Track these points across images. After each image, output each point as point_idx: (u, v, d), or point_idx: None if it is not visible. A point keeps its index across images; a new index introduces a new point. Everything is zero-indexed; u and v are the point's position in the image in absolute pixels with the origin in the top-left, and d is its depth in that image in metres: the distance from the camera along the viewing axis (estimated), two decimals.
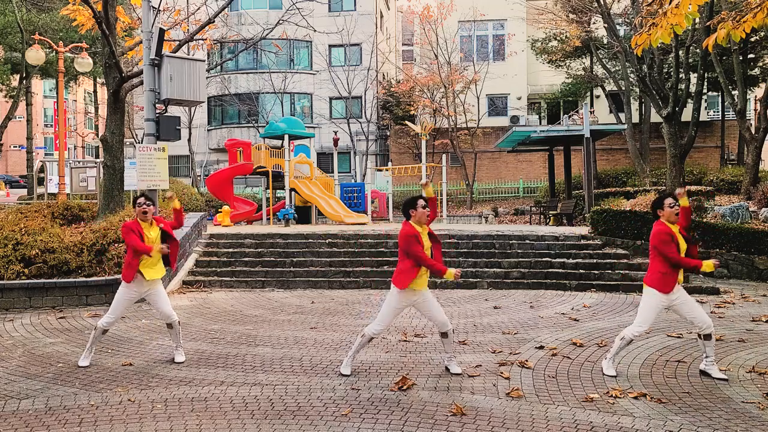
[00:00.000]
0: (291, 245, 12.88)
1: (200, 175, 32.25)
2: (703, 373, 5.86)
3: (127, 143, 24.42)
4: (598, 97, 33.25)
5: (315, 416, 4.91)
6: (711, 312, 8.95)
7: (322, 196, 19.65)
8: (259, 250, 12.63)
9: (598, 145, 28.16)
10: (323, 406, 5.12)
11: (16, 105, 28.19)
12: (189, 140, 30.43)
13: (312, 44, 34.33)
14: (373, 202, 22.15)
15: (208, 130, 35.68)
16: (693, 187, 21.27)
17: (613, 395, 5.32)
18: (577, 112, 26.06)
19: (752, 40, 24.65)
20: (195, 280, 11.35)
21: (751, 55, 26.78)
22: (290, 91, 34.05)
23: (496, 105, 34.92)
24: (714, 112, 37.54)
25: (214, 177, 20.42)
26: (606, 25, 21.90)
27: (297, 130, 20.96)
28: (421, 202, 5.77)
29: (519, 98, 34.51)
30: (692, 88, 20.69)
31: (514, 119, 32.13)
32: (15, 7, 25.40)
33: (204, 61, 10.73)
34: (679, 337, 7.36)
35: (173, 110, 15.76)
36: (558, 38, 30.18)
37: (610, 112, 29.51)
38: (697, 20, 17.35)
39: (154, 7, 10.37)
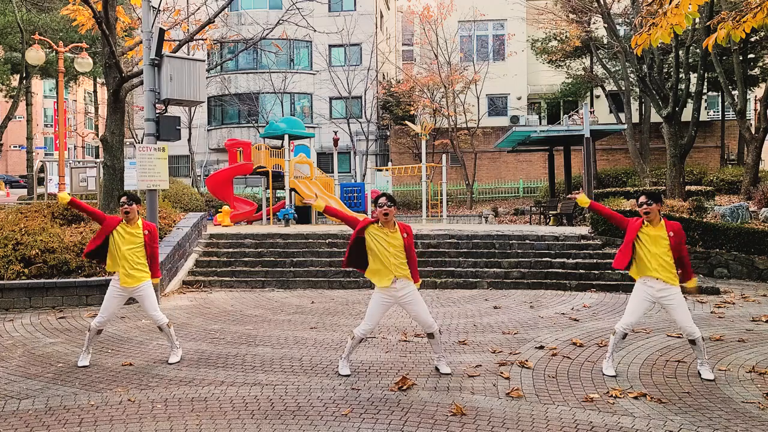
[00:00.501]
0: (291, 245, 12.88)
1: (200, 175, 32.24)
2: (699, 373, 5.88)
3: (127, 143, 24.43)
4: (598, 97, 33.24)
5: (315, 416, 4.91)
6: (711, 312, 8.96)
7: (322, 197, 19.65)
8: (259, 250, 12.63)
9: (598, 145, 28.16)
10: (323, 406, 5.12)
11: (16, 105, 28.19)
12: (189, 140, 30.43)
13: (312, 44, 34.33)
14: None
15: (208, 130, 35.67)
16: (693, 187, 21.28)
17: (613, 395, 5.32)
18: (577, 112, 26.07)
19: (752, 40, 24.65)
20: (195, 280, 11.36)
21: (751, 55, 26.78)
22: (290, 91, 34.05)
23: (496, 105, 34.91)
24: (714, 112, 37.54)
25: (214, 177, 20.42)
26: (606, 25, 21.89)
27: (297, 130, 20.95)
28: (381, 200, 5.72)
29: (519, 98, 34.51)
30: (692, 88, 20.68)
31: (514, 119, 32.13)
32: (15, 7, 25.40)
33: (204, 61, 10.73)
34: (679, 337, 7.36)
35: (173, 110, 15.77)
36: (558, 38, 30.18)
37: (610, 112, 29.51)
38: (697, 20, 17.34)
39: (154, 7, 10.36)
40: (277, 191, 22.11)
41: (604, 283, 10.89)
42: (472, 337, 7.45)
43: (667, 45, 19.31)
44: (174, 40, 13.88)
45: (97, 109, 36.79)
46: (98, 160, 23.73)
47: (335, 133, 26.05)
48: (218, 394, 5.46)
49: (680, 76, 19.58)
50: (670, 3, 7.08)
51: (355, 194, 22.30)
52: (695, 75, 20.62)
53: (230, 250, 12.74)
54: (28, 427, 4.76)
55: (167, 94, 9.85)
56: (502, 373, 5.98)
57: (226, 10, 26.83)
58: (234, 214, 18.48)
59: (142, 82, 10.97)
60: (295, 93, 34.75)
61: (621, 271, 11.24)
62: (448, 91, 29.91)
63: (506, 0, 31.37)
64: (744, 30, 7.00)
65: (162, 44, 9.87)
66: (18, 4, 26.16)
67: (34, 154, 28.51)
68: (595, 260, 11.75)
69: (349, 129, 32.20)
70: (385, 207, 5.65)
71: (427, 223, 20.24)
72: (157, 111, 10.00)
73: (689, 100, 20.35)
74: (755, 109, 31.92)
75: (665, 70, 22.72)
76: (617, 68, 28.32)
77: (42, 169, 25.31)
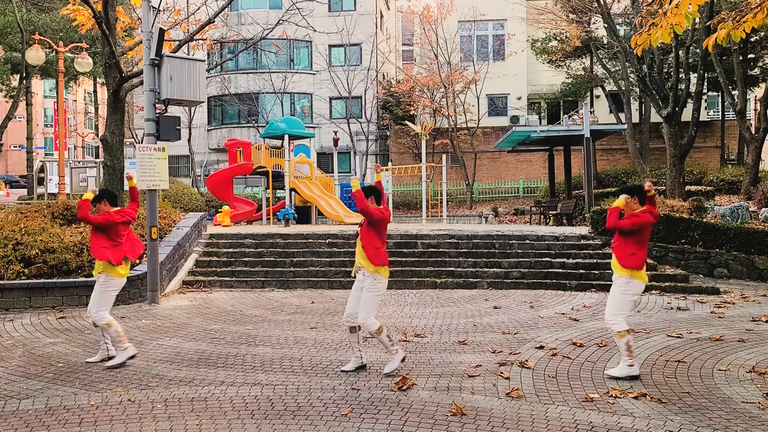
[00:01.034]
0: (291, 245, 12.87)
1: (200, 175, 32.23)
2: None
3: (127, 143, 24.41)
4: (598, 97, 33.23)
5: (315, 416, 4.91)
6: (711, 312, 8.96)
7: (322, 196, 19.64)
8: (259, 250, 12.63)
9: (598, 145, 28.15)
10: (323, 406, 5.12)
11: (16, 105, 28.18)
12: (189, 140, 30.42)
13: (312, 44, 34.32)
14: None
15: (208, 130, 35.67)
16: (693, 187, 21.28)
17: (613, 395, 5.32)
18: (577, 112, 26.05)
19: (752, 40, 24.64)
20: (195, 280, 11.36)
21: (751, 55, 26.77)
22: (290, 91, 34.04)
23: (496, 105, 34.90)
24: (714, 112, 37.53)
25: (214, 177, 20.41)
26: (606, 25, 21.88)
27: (297, 130, 20.95)
28: None
29: (519, 98, 34.50)
30: (692, 88, 20.67)
31: (514, 119, 32.12)
32: (15, 7, 25.39)
33: (204, 61, 10.72)
34: (679, 337, 7.36)
35: (173, 110, 15.73)
36: (558, 38, 30.17)
37: (610, 112, 29.50)
38: (697, 20, 17.33)
39: (154, 7, 10.36)
40: (277, 191, 22.11)
41: (604, 283, 10.86)
42: (472, 337, 7.45)
43: (667, 45, 19.30)
44: (174, 40, 13.87)
45: (97, 109, 36.78)
46: (98, 160, 23.74)
47: (335, 133, 26.04)
48: (218, 394, 5.46)
49: (680, 76, 19.58)
50: (670, 3, 7.08)
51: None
52: (695, 75, 20.61)
53: (230, 250, 12.74)
54: (28, 427, 4.76)
55: (167, 94, 9.84)
56: (502, 373, 5.98)
57: (226, 10, 26.81)
58: (234, 214, 18.48)
59: (142, 82, 10.97)
60: (295, 93, 34.74)
61: None
62: (448, 91, 29.90)
63: (506, 0, 31.36)
64: (744, 30, 6.99)
65: (162, 44, 9.86)
66: (18, 4, 26.15)
67: (34, 154, 28.50)
68: (595, 260, 11.75)
69: (349, 129, 32.20)
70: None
71: (427, 223, 20.24)
72: (157, 111, 9.99)
73: (689, 100, 20.35)
74: (755, 109, 31.92)
75: (665, 70, 22.72)
76: (617, 68, 28.31)
77: (42, 169, 25.30)
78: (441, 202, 22.29)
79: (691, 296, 10.24)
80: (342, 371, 6.04)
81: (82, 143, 54.81)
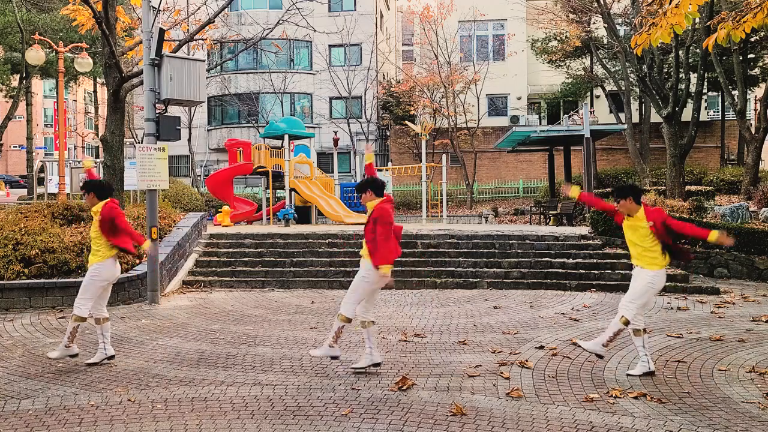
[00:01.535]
0: (291, 245, 12.87)
1: (200, 175, 32.24)
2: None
3: (127, 143, 24.42)
4: (598, 97, 33.24)
5: (315, 416, 4.91)
6: (711, 312, 8.96)
7: (322, 196, 19.64)
8: (259, 250, 12.63)
9: (598, 145, 28.15)
10: (323, 406, 5.12)
11: (16, 105, 28.19)
12: (189, 140, 30.42)
13: (312, 44, 34.32)
14: None
15: (208, 130, 35.67)
16: (693, 187, 21.29)
17: (613, 395, 5.32)
18: (577, 112, 26.07)
19: (752, 40, 24.65)
20: (195, 280, 11.36)
21: (751, 55, 26.78)
22: (290, 91, 34.05)
23: (496, 105, 34.91)
24: (714, 112, 37.54)
25: (214, 177, 20.41)
26: (606, 25, 21.90)
27: (297, 130, 20.95)
28: None
29: (519, 98, 34.51)
30: (692, 88, 20.68)
31: (514, 119, 32.12)
32: (15, 7, 25.40)
33: (204, 61, 10.72)
34: (679, 337, 7.37)
35: (173, 110, 15.73)
36: (558, 38, 30.18)
37: (610, 112, 29.51)
38: (697, 20, 17.34)
39: (154, 7, 10.36)
40: (277, 191, 22.11)
41: (604, 283, 10.89)
42: (472, 337, 7.45)
43: (667, 45, 19.30)
44: (174, 40, 13.87)
45: (97, 109, 36.79)
46: (98, 160, 23.72)
47: (335, 133, 26.04)
48: (218, 394, 5.46)
49: (680, 76, 19.59)
50: (670, 3, 7.08)
51: (355, 194, 22.27)
52: (695, 75, 20.62)
53: (230, 250, 12.74)
54: (28, 427, 4.76)
55: (167, 94, 9.84)
56: (502, 373, 5.98)
57: (226, 10, 26.81)
58: (234, 214, 18.48)
59: (142, 82, 10.96)
60: (295, 93, 34.75)
61: (621, 271, 11.24)
62: (448, 91, 29.91)
63: (506, 0, 31.37)
64: (744, 30, 6.99)
65: (162, 44, 9.86)
66: (18, 4, 26.15)
67: (34, 154, 28.51)
68: (595, 260, 11.75)
69: (349, 129, 32.20)
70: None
71: (427, 223, 20.24)
72: (157, 111, 9.99)
73: (689, 100, 20.36)
74: (755, 109, 31.92)
75: (665, 70, 22.73)
76: (617, 68, 28.31)
77: (42, 169, 25.30)
78: (441, 202, 22.29)
79: (691, 296, 10.24)
80: (353, 369, 6.01)
81: (82, 143, 54.81)
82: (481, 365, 6.23)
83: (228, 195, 19.97)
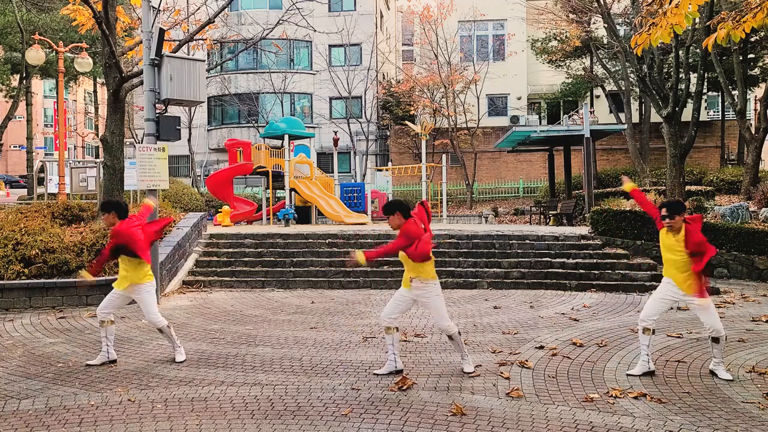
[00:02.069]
0: (291, 245, 12.87)
1: (200, 175, 32.24)
2: (712, 372, 5.88)
3: (127, 143, 24.42)
4: (598, 97, 33.24)
5: (315, 416, 4.91)
6: None
7: (322, 196, 19.64)
8: (259, 250, 12.63)
9: (598, 145, 28.16)
10: (323, 406, 5.12)
11: (16, 105, 28.17)
12: (189, 140, 30.41)
13: (312, 44, 34.32)
14: (373, 202, 22.16)
15: (208, 130, 35.67)
16: (693, 187, 21.28)
17: (613, 395, 5.32)
18: (577, 112, 26.06)
19: (752, 40, 24.64)
20: (195, 280, 11.36)
21: (751, 55, 26.77)
22: (290, 91, 34.04)
23: (496, 105, 34.90)
24: (714, 112, 37.54)
25: (214, 177, 20.42)
26: (606, 25, 21.88)
27: (297, 130, 20.95)
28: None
29: (519, 98, 34.50)
30: (692, 88, 20.67)
31: (514, 119, 32.12)
32: (15, 7, 25.38)
33: (204, 61, 10.72)
34: (679, 337, 7.37)
35: (173, 110, 15.72)
36: (558, 38, 30.17)
37: (610, 112, 29.50)
38: (697, 20, 17.33)
39: (154, 7, 10.35)
40: (277, 191, 22.12)
41: (604, 283, 10.89)
42: (472, 337, 7.45)
43: (667, 45, 19.30)
44: (174, 40, 13.86)
45: (97, 109, 36.77)
46: (98, 160, 23.71)
47: (335, 133, 26.05)
48: (218, 394, 5.46)
49: (680, 76, 19.57)
50: (670, 3, 7.08)
51: (355, 194, 22.30)
52: (695, 75, 20.60)
53: (230, 250, 12.74)
54: (28, 427, 4.76)
55: (167, 94, 9.84)
56: (502, 373, 5.98)
57: (226, 10, 26.82)
58: (234, 214, 18.48)
59: (142, 82, 10.95)
60: (295, 93, 34.75)
61: (621, 271, 11.25)
62: (448, 91, 29.90)
63: (506, 0, 31.36)
64: (744, 30, 6.99)
65: (162, 44, 9.86)
66: (18, 4, 26.14)
67: (34, 154, 28.48)
68: (595, 260, 11.75)
69: (349, 129, 32.20)
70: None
71: None
72: (157, 111, 9.99)
73: (689, 100, 20.34)
74: (755, 109, 31.92)
75: (665, 70, 22.71)
76: (617, 68, 28.31)
77: (42, 169, 25.28)
78: (441, 202, 22.30)
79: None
80: (374, 375, 5.96)
81: (82, 143, 54.82)
82: (481, 365, 6.23)
83: (228, 195, 19.97)
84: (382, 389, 5.51)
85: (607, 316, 8.64)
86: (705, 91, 28.23)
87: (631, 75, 26.48)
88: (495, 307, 9.32)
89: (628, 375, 5.88)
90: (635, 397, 5.27)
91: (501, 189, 31.57)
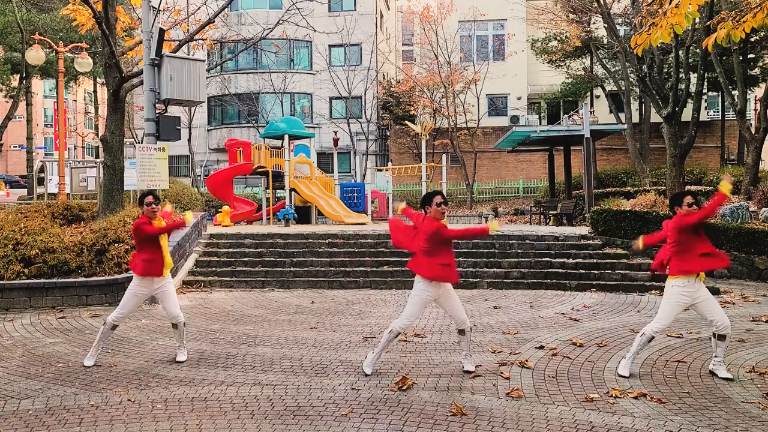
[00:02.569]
0: (291, 245, 12.87)
1: (200, 175, 32.24)
2: (712, 372, 5.87)
3: (127, 143, 24.41)
4: (598, 97, 33.25)
5: (315, 416, 4.91)
6: None
7: (322, 196, 19.65)
8: (259, 250, 12.63)
9: (598, 145, 28.16)
10: (323, 406, 5.12)
11: (16, 105, 28.17)
12: (189, 140, 30.42)
13: (312, 44, 34.33)
14: (373, 202, 22.16)
15: (208, 130, 35.67)
16: (693, 187, 21.27)
17: (613, 395, 5.32)
18: (577, 112, 26.06)
19: (752, 40, 24.64)
20: (195, 280, 11.35)
21: (751, 55, 26.77)
22: (290, 91, 34.05)
23: (496, 105, 34.91)
24: (714, 112, 37.55)
25: (214, 177, 20.42)
26: (606, 25, 21.88)
27: (297, 130, 20.95)
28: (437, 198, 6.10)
29: (519, 98, 34.51)
30: (692, 88, 20.67)
31: (514, 119, 32.12)
32: (15, 7, 25.39)
33: (204, 61, 10.74)
34: (679, 337, 7.36)
35: (173, 110, 15.74)
36: (558, 38, 30.18)
37: (610, 112, 29.51)
38: (697, 20, 17.33)
39: (154, 7, 10.37)
40: (277, 191, 22.11)
41: (604, 283, 10.88)
42: (473, 337, 7.43)
43: (667, 45, 19.30)
44: (174, 40, 13.87)
45: (97, 109, 36.78)
46: (98, 160, 23.72)
47: (335, 133, 26.04)
48: (218, 394, 5.46)
49: (680, 76, 19.57)
50: (670, 3, 7.08)
51: (355, 194, 22.30)
52: (695, 75, 20.60)
53: (230, 250, 12.74)
54: (28, 427, 4.76)
55: (167, 94, 9.85)
56: (502, 373, 5.98)
57: (226, 10, 26.82)
58: (234, 214, 18.48)
59: (142, 82, 10.97)
60: (295, 93, 34.75)
61: (621, 271, 11.25)
62: (448, 91, 29.91)
63: (506, 0, 31.37)
64: (744, 30, 6.99)
65: (162, 44, 9.87)
66: (18, 4, 26.15)
67: (34, 154, 28.49)
68: (595, 260, 11.75)
69: (349, 129, 32.20)
70: (443, 206, 6.14)
71: None
72: (157, 111, 10.00)
73: (689, 100, 20.34)
74: (755, 109, 31.92)
75: (665, 70, 22.71)
76: (617, 68, 28.31)
77: (42, 169, 25.29)
78: None
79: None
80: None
81: (82, 143, 54.83)
82: (481, 365, 6.23)
83: (228, 195, 19.98)
84: (382, 389, 5.52)
85: (607, 316, 8.65)
86: (705, 91, 28.24)
87: (631, 75, 26.48)
88: (495, 307, 9.32)
89: (618, 375, 5.87)
90: (635, 397, 5.27)
91: (501, 189, 31.58)
